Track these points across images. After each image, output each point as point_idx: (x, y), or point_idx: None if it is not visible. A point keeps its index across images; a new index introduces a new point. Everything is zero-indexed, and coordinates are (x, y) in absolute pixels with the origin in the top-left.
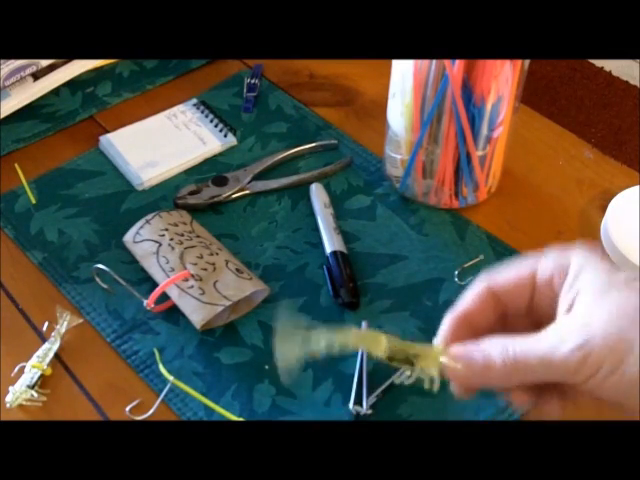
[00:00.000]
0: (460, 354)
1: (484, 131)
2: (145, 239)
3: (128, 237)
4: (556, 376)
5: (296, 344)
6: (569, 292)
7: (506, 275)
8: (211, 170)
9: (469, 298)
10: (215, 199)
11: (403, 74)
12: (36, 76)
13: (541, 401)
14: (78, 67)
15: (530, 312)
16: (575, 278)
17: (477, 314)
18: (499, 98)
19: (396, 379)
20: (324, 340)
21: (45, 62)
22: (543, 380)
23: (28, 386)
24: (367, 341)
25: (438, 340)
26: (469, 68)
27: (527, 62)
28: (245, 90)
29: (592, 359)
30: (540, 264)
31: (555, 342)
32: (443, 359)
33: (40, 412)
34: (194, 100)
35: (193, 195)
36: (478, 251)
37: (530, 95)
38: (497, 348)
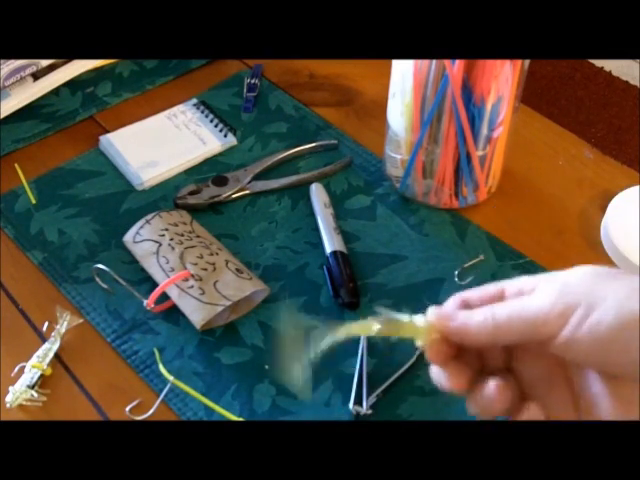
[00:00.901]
0: (443, 312)
1: (484, 131)
2: (145, 239)
3: (128, 237)
4: (530, 331)
5: (298, 347)
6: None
7: (478, 291)
8: (211, 170)
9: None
10: (215, 199)
11: (403, 74)
12: (36, 76)
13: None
14: (78, 67)
15: None
16: (550, 276)
17: None
18: (499, 98)
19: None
20: (323, 341)
21: (45, 62)
22: (519, 337)
23: (28, 386)
24: (359, 329)
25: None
26: (469, 68)
27: (527, 62)
28: (245, 90)
29: (564, 303)
30: (509, 282)
31: (532, 297)
32: (427, 321)
33: (40, 412)
34: (194, 100)
35: (193, 195)
36: (478, 251)
37: (530, 95)
38: (480, 311)
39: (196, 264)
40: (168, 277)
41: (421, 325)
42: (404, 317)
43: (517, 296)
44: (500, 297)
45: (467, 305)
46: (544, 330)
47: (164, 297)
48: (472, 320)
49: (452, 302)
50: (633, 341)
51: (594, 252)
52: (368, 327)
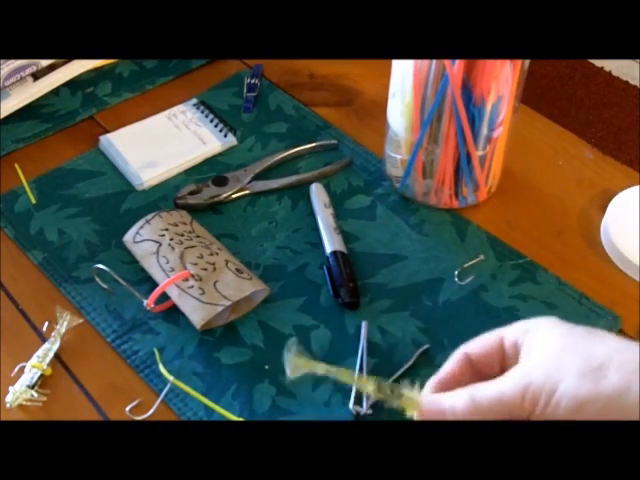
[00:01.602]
0: (430, 404)
1: (484, 131)
2: (145, 239)
3: (128, 237)
4: (508, 413)
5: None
6: (524, 348)
7: (479, 342)
8: (211, 170)
9: (449, 365)
10: (215, 199)
11: (403, 74)
12: (36, 76)
13: None
14: (78, 67)
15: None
16: (531, 336)
17: (456, 380)
18: (499, 98)
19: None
20: (324, 371)
21: (45, 62)
22: (500, 417)
23: (28, 386)
24: (359, 383)
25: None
26: (469, 68)
27: (527, 62)
28: (245, 90)
29: (531, 392)
30: (507, 331)
31: (504, 383)
32: (416, 406)
33: (40, 412)
34: (194, 100)
35: (193, 195)
36: (478, 251)
37: (530, 95)
38: (462, 395)
39: (196, 264)
40: (168, 277)
41: (414, 407)
42: (405, 390)
43: (514, 350)
44: (501, 350)
45: (470, 361)
46: (521, 412)
47: (164, 297)
48: (458, 410)
49: (455, 360)
50: (585, 415)
51: (594, 252)
52: (365, 385)
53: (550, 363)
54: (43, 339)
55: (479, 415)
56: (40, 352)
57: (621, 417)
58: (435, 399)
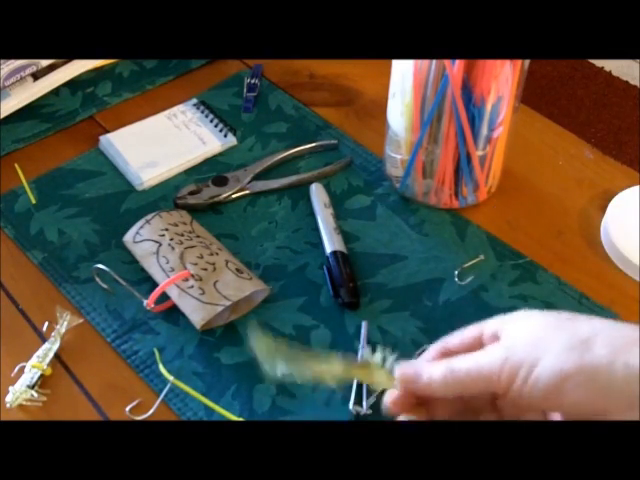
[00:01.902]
0: (406, 369)
1: (484, 131)
2: (145, 239)
3: (128, 237)
4: (485, 386)
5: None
6: (504, 334)
7: (458, 335)
8: (211, 170)
9: (427, 354)
10: (215, 199)
11: (403, 74)
12: (36, 76)
13: None
14: (78, 67)
15: None
16: (512, 323)
17: None
18: (499, 98)
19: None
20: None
21: (45, 62)
22: (480, 391)
23: (28, 386)
24: (326, 369)
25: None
26: (469, 68)
27: (527, 62)
28: (245, 90)
29: (511, 363)
30: (487, 323)
31: (483, 355)
32: (393, 378)
33: (40, 412)
34: (194, 100)
35: (193, 195)
36: (478, 251)
37: (530, 95)
38: (440, 365)
39: (196, 264)
40: (168, 277)
41: (389, 379)
42: (376, 363)
43: (493, 340)
44: (479, 342)
45: (448, 352)
46: (498, 386)
47: (164, 297)
48: (435, 379)
49: (433, 351)
50: (567, 391)
51: (594, 252)
52: (334, 368)
53: (532, 340)
54: (43, 339)
55: (455, 386)
56: (40, 352)
57: (606, 393)
58: (412, 364)
